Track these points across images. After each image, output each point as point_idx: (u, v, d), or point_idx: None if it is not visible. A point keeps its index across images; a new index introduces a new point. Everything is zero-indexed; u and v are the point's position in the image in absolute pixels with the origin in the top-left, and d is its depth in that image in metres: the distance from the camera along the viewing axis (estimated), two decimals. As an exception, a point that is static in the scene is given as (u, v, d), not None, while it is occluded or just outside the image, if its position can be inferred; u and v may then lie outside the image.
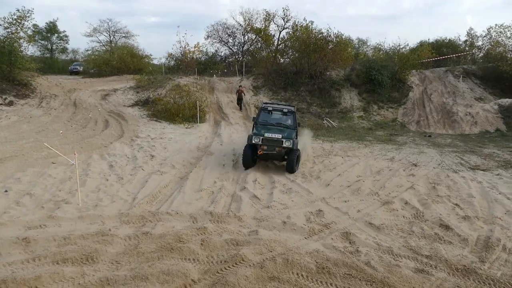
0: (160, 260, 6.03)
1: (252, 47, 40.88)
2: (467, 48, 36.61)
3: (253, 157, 12.08)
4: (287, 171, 11.74)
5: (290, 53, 34.13)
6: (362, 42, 46.33)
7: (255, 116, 13.71)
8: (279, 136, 11.80)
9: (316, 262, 6.29)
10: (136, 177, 10.81)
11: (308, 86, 26.65)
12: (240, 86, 23.51)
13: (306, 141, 14.88)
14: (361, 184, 11.10)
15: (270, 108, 13.10)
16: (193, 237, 6.93)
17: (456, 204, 9.62)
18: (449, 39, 38.71)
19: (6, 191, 8.96)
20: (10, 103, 19.06)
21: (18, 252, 6.14)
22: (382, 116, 24.83)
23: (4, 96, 19.35)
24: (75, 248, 6.29)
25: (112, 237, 6.82)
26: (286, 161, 11.95)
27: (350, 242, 7.30)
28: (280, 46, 37.65)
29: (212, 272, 5.96)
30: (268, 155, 11.97)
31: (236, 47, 41.15)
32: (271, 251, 6.58)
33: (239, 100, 22.56)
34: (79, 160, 9.11)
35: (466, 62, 33.53)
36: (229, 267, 6.07)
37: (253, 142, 11.82)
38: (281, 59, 35.73)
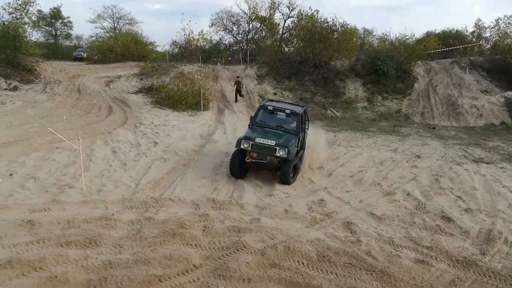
0: (163, 245, 6.09)
1: (257, 35, 40.56)
2: (474, 40, 36.19)
3: (242, 165, 10.07)
4: (281, 183, 9.88)
5: (295, 42, 33.86)
6: (368, 32, 45.82)
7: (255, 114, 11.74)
8: (273, 142, 9.73)
9: (317, 251, 6.34)
10: (139, 163, 10.86)
11: (312, 75, 26.51)
12: (237, 77, 23.22)
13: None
14: (364, 174, 11.11)
15: (270, 108, 11.07)
16: (195, 223, 6.98)
17: (459, 197, 9.63)
18: (456, 30, 38.27)
19: (11, 174, 9.03)
20: (15, 88, 19.08)
21: (23, 234, 6.22)
22: (386, 107, 24.72)
23: (8, 81, 19.36)
24: (78, 232, 6.36)
25: (115, 221, 6.88)
26: (280, 171, 10.00)
27: (351, 232, 7.34)
28: (285, 35, 37.34)
29: (214, 258, 6.02)
30: (257, 164, 10.01)
31: (240, 35, 40.86)
32: (273, 239, 6.63)
33: (238, 92, 22.34)
34: (83, 145, 9.16)
35: (473, 54, 33.19)
36: (230, 253, 6.13)
37: (242, 147, 9.90)
38: (286, 48, 35.44)
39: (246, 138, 10.02)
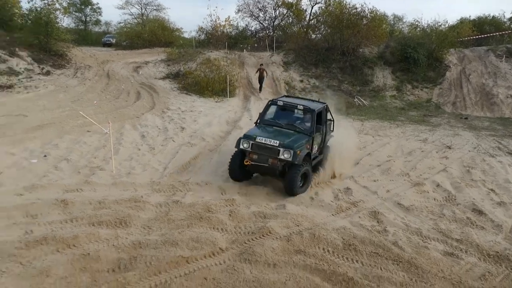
0: (190, 228, 6.20)
1: (283, 22, 40.06)
2: (512, 26, 34.60)
3: (244, 167, 8.58)
4: (286, 192, 8.23)
5: (322, 29, 33.24)
6: (398, 19, 44.43)
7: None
8: (276, 142, 8.07)
9: (343, 239, 6.31)
10: (167, 148, 11.03)
11: (339, 63, 26.05)
12: (261, 65, 22.86)
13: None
14: (392, 164, 10.91)
15: (280, 103, 9.38)
16: (221, 208, 7.07)
17: (491, 189, 9.33)
18: (493, 16, 36.61)
19: (45, 156, 9.35)
20: (47, 73, 19.60)
21: (57, 213, 6.46)
22: (416, 96, 24.06)
23: (41, 66, 19.90)
24: (109, 212, 6.55)
25: (144, 203, 7.04)
26: (284, 178, 8.29)
27: (378, 221, 7.25)
28: (312, 21, 36.74)
29: (240, 242, 6.08)
30: (258, 167, 8.45)
31: (267, 21, 40.43)
32: (298, 226, 6.64)
33: (261, 80, 22.05)
34: (112, 129, 9.34)
35: (511, 41, 31.72)
36: (256, 238, 6.18)
37: (242, 147, 8.35)
38: (313, 35, 34.90)
39: (246, 137, 8.40)
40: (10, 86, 16.73)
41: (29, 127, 11.44)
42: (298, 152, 8.05)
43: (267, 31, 39.63)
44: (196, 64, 23.69)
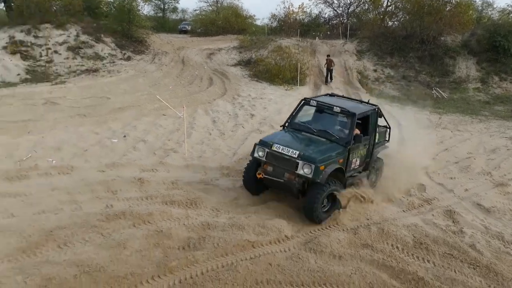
0: (256, 214, 6.32)
1: (359, 8, 38.61)
2: None
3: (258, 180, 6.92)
4: (305, 215, 6.46)
5: (400, 16, 31.50)
6: (487, 4, 40.53)
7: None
8: (295, 153, 6.39)
9: (414, 237, 6.05)
10: (236, 134, 11.27)
11: (418, 52, 24.54)
12: (328, 55, 22.09)
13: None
14: (472, 161, 10.16)
15: (314, 103, 7.54)
16: (288, 197, 7.08)
17: None
18: None
19: (125, 136, 10.04)
20: (128, 58, 20.90)
21: (134, 190, 6.93)
22: (504, 89, 21.96)
23: (123, 52, 21.26)
24: (181, 193, 6.89)
25: (213, 187, 7.31)
26: (304, 199, 6.53)
27: (453, 221, 6.83)
28: (390, 7, 34.91)
29: (305, 231, 6.09)
30: (272, 182, 6.73)
31: (341, 8, 39.20)
32: (367, 219, 6.46)
33: (328, 71, 21.41)
34: (186, 114, 9.74)
35: None
36: (322, 228, 6.15)
37: (256, 155, 6.81)
38: (390, 22, 33.20)
39: (262, 143, 6.80)
40: (95, 70, 18.16)
41: (111, 109, 12.34)
42: (322, 167, 6.23)
43: (341, 18, 38.48)
44: (267, 51, 23.75)
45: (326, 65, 21.46)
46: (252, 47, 24.89)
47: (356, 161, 7.25)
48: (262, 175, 6.68)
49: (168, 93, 15.30)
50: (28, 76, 16.41)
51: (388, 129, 8.22)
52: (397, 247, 5.78)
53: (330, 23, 38.70)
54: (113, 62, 19.76)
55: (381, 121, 7.85)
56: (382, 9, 35.16)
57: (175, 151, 9.26)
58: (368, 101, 8.26)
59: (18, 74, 16.35)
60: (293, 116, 7.57)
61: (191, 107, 13.38)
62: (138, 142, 9.74)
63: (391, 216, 6.72)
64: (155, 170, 8.03)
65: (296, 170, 6.30)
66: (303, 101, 7.65)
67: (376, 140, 7.68)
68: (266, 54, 23.28)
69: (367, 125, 7.42)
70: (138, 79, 17.53)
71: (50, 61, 18.20)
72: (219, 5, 46.33)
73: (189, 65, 21.32)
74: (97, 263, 4.74)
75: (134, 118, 11.62)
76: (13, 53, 17.67)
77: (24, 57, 17.83)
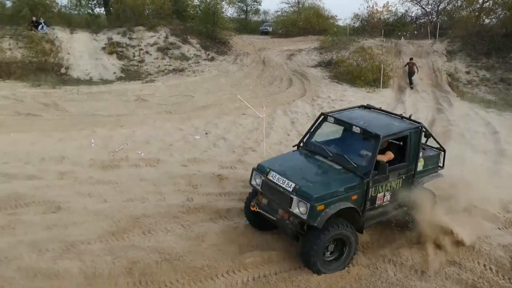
0: (333, 218, 6.13)
1: (450, 5, 35.97)
2: None
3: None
4: (302, 261, 5.11)
5: (500, 12, 28.74)
6: None
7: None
8: (290, 184, 5.02)
9: (511, 258, 5.43)
10: (314, 136, 11.10)
11: (519, 52, 22.23)
12: (411, 58, 20.59)
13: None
14: None
15: (331, 120, 5.96)
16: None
17: None
18: None
19: (206, 133, 10.46)
20: (212, 59, 21.80)
21: (213, 186, 7.19)
22: None
23: (207, 52, 22.22)
24: (257, 192, 6.95)
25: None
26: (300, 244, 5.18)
27: None
28: (487, 3, 31.99)
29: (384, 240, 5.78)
30: (266, 217, 5.42)
31: (430, 6, 36.80)
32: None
33: (411, 74, 19.99)
34: (265, 114, 9.84)
35: None
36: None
37: (252, 182, 5.65)
38: (486, 20, 30.44)
39: (260, 168, 5.58)
40: (181, 70, 19.24)
41: (195, 107, 12.94)
42: (320, 207, 4.77)
43: (430, 17, 36.18)
44: (349, 52, 23.15)
45: (407, 68, 20.17)
46: (333, 48, 24.45)
47: (384, 196, 5.57)
48: (256, 208, 5.44)
49: (249, 93, 15.62)
50: (122, 75, 17.92)
51: (443, 152, 6.39)
52: (490, 268, 5.24)
53: (417, 22, 36.59)
54: (198, 62, 20.73)
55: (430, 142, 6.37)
56: (478, 6, 32.35)
57: (253, 150, 9.40)
58: (410, 116, 6.32)
59: (114, 73, 17.93)
60: (309, 134, 6.15)
61: (270, 107, 13.50)
62: (218, 139, 10.06)
63: (484, 233, 6.10)
64: (234, 168, 8.23)
65: (290, 207, 4.92)
66: (322, 116, 6.14)
67: (422, 168, 5.96)
68: (347, 55, 22.72)
69: (405, 148, 5.65)
70: (220, 79, 18.17)
71: (142, 61, 19.68)
72: (300, 6, 46.27)
73: (269, 66, 21.58)
74: (177, 252, 4.99)
75: (215, 117, 12.04)
76: (111, 53, 19.43)
77: (120, 57, 19.49)
